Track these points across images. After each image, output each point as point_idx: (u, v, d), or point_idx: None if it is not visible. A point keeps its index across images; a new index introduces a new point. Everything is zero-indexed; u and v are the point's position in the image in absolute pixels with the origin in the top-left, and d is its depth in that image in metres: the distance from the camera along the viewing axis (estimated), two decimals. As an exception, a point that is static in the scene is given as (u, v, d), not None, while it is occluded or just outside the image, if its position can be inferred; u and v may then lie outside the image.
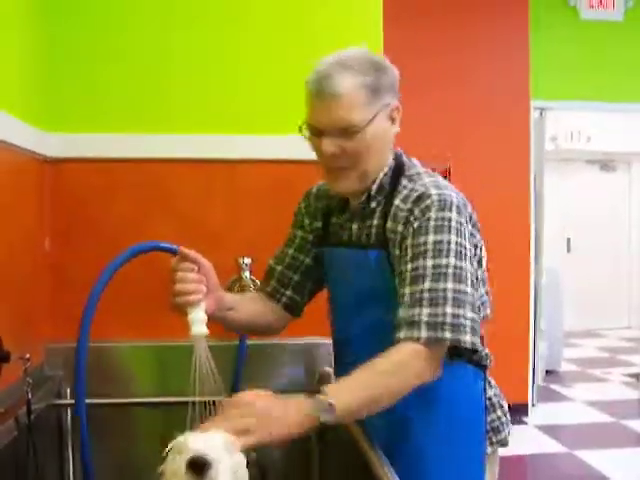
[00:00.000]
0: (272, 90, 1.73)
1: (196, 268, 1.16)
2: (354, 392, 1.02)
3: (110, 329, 1.64)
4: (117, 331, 1.67)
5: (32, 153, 1.54)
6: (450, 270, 1.10)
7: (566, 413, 4.58)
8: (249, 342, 1.66)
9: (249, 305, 1.32)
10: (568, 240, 7.84)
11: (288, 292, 1.36)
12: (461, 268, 1.11)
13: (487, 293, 1.28)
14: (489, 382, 1.29)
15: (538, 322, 4.58)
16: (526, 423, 4.30)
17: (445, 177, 4.43)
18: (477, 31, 4.30)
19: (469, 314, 1.09)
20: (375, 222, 1.22)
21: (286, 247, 1.39)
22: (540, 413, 4.47)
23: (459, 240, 1.12)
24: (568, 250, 7.84)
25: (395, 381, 1.04)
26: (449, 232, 1.12)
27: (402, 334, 1.08)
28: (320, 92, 1.15)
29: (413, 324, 1.07)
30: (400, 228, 1.16)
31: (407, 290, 1.11)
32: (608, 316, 7.82)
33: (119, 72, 1.70)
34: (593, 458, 3.62)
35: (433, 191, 1.15)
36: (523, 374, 4.38)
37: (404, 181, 1.21)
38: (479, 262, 1.23)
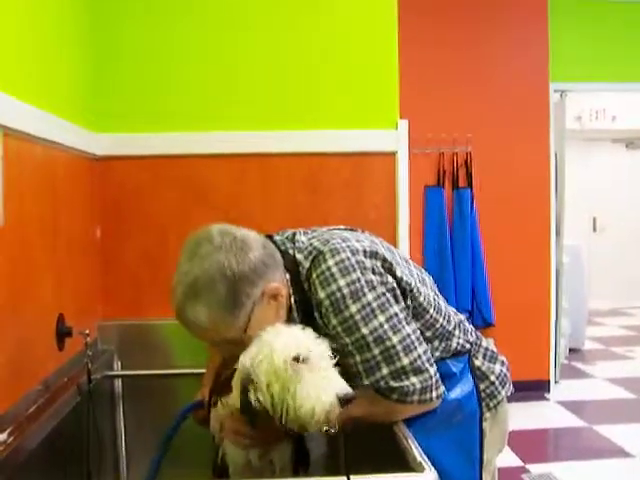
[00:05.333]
0: (300, 89, 1.85)
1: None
2: (360, 406, 1.09)
3: (155, 308, 1.80)
4: (161, 310, 1.82)
5: (83, 152, 1.67)
6: (386, 326, 1.12)
7: (587, 390, 4.59)
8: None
9: None
10: (594, 219, 7.78)
11: None
12: (392, 317, 1.13)
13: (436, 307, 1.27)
14: (474, 355, 1.33)
15: (560, 300, 4.61)
16: (548, 399, 4.35)
17: (466, 161, 4.47)
18: (496, 14, 4.29)
19: (421, 350, 1.15)
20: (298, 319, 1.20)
21: None
22: (562, 390, 4.50)
23: (367, 277, 1.13)
24: (594, 229, 7.79)
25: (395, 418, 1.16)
26: (354, 272, 1.12)
27: (395, 397, 1.14)
28: (184, 324, 1.11)
29: (404, 394, 1.14)
30: (320, 314, 1.15)
31: (358, 359, 1.13)
32: (634, 295, 7.77)
33: (160, 77, 1.84)
34: (613, 432, 3.65)
35: (322, 247, 1.15)
36: (545, 352, 4.41)
37: (300, 267, 1.18)
38: (404, 294, 1.20)
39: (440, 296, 1.32)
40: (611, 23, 4.52)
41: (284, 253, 1.20)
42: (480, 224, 4.21)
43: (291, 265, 1.18)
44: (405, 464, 1.01)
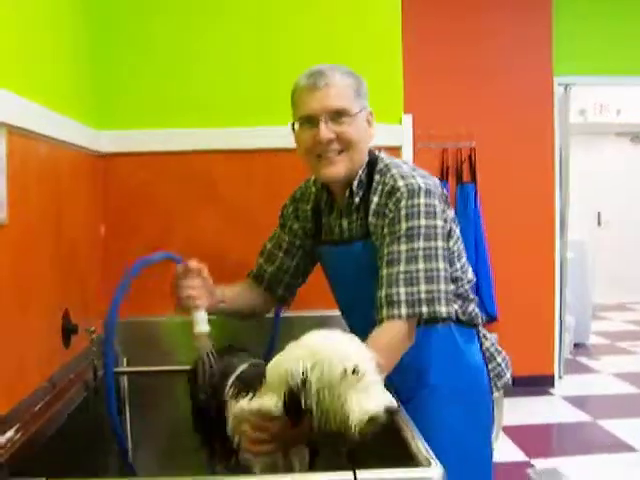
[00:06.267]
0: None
1: (199, 277, 1.31)
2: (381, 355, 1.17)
3: (160, 305, 1.80)
4: (166, 307, 1.83)
5: (86, 150, 1.68)
6: (420, 252, 1.24)
7: (592, 385, 4.60)
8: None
9: (237, 299, 1.47)
10: (598, 214, 7.78)
11: (280, 290, 1.54)
12: (430, 248, 1.25)
13: (464, 263, 1.42)
14: (484, 335, 1.44)
15: (564, 295, 4.61)
16: (552, 394, 4.36)
17: (469, 156, 4.49)
18: (500, 8, 4.29)
19: (442, 287, 1.24)
20: (360, 216, 1.36)
21: (275, 249, 1.53)
22: (567, 385, 4.51)
23: (429, 222, 1.26)
24: (599, 223, 7.78)
25: (385, 360, 1.17)
26: (419, 217, 1.26)
27: (384, 313, 1.23)
28: (314, 85, 1.30)
29: (393, 303, 1.23)
30: (380, 222, 1.30)
31: (384, 272, 1.26)
32: (639, 290, 7.77)
33: (164, 73, 1.84)
34: (618, 427, 3.66)
35: (400, 182, 1.29)
36: (550, 346, 4.43)
37: (376, 176, 1.35)
38: (449, 235, 1.36)
39: (469, 266, 1.44)
40: (615, 16, 4.51)
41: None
42: (484, 219, 4.20)
43: (372, 155, 1.38)
44: (411, 458, 1.01)
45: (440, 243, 1.26)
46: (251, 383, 1.14)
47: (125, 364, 1.81)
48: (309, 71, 1.33)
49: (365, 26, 1.87)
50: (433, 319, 1.26)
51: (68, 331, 1.44)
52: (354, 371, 1.01)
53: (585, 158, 7.19)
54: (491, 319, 4.18)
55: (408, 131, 1.88)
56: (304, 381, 1.01)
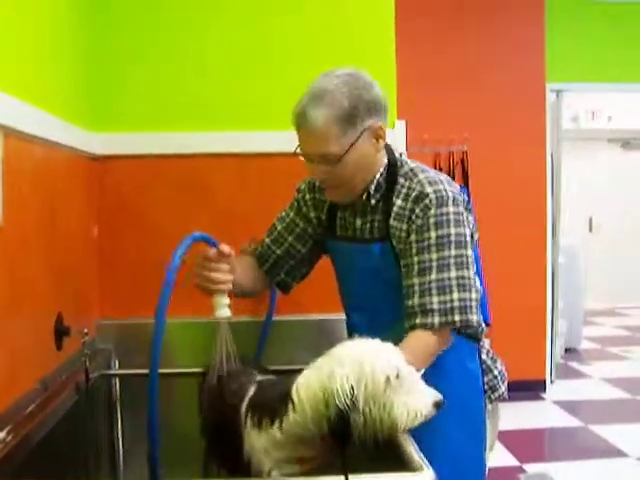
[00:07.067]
0: (299, 90, 1.85)
1: (227, 263, 1.29)
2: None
3: (153, 308, 1.80)
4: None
5: (81, 152, 1.68)
6: (452, 260, 1.24)
7: (583, 390, 4.61)
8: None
9: (241, 276, 1.41)
10: (590, 219, 7.82)
11: (282, 275, 1.51)
12: (461, 256, 1.26)
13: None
14: (482, 346, 1.44)
15: (556, 300, 4.63)
16: (544, 399, 4.37)
17: (462, 160, 4.49)
18: (493, 15, 4.32)
19: (473, 295, 1.26)
20: (377, 217, 1.35)
21: (285, 232, 1.49)
22: (558, 389, 4.53)
23: (458, 231, 1.27)
24: (590, 229, 7.83)
25: (418, 367, 1.16)
26: (449, 226, 1.26)
27: (418, 320, 1.24)
28: (299, 126, 1.26)
29: (426, 312, 1.23)
30: (404, 226, 1.29)
31: (415, 281, 1.26)
32: (630, 295, 7.80)
33: (159, 76, 1.84)
34: (609, 432, 3.67)
35: (429, 189, 1.28)
36: (541, 351, 4.44)
37: (401, 180, 1.33)
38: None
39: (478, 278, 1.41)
40: (607, 24, 4.55)
41: (388, 146, 1.36)
42: (476, 223, 4.22)
43: (392, 158, 1.35)
44: (403, 463, 1.01)
45: (469, 251, 1.28)
46: (270, 406, 1.06)
47: (117, 366, 1.81)
48: (296, 105, 1.27)
49: (358, 31, 1.88)
50: (465, 327, 1.26)
51: (60, 333, 1.44)
52: (397, 376, 1.00)
53: (577, 164, 7.24)
54: (484, 324, 4.19)
55: (401, 137, 1.89)
56: (352, 400, 0.96)
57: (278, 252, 1.49)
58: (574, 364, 5.29)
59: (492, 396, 1.44)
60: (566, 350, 5.47)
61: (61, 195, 1.52)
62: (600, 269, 7.26)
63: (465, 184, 4.24)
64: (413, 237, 1.27)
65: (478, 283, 1.40)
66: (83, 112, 1.73)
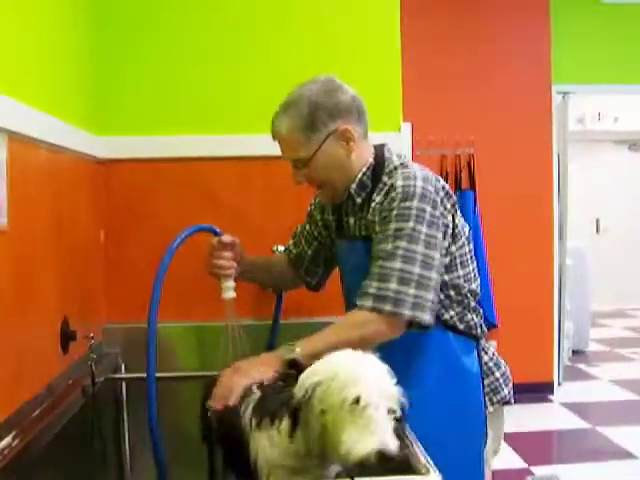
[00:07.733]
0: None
1: (230, 251, 1.47)
2: (316, 341, 1.24)
3: (159, 312, 1.80)
4: (165, 314, 1.83)
5: (86, 155, 1.68)
6: (401, 252, 1.25)
7: (591, 391, 4.60)
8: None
9: (263, 271, 1.65)
10: (597, 221, 7.80)
11: (302, 272, 1.62)
12: (413, 251, 1.26)
13: (469, 272, 1.41)
14: (484, 349, 1.43)
15: (563, 302, 4.61)
16: (552, 401, 4.36)
17: (468, 163, 4.49)
18: (498, 16, 4.32)
19: (412, 291, 1.24)
20: (364, 215, 1.38)
21: (300, 234, 1.62)
22: (566, 391, 4.51)
23: (418, 227, 1.27)
24: (597, 231, 7.80)
25: (356, 333, 1.23)
26: (409, 220, 1.27)
27: (357, 301, 1.28)
28: (272, 136, 1.39)
29: (362, 294, 1.27)
30: (377, 219, 1.33)
31: (373, 268, 1.29)
32: (638, 296, 7.76)
33: (164, 80, 1.84)
34: (617, 434, 3.66)
35: (399, 183, 1.30)
36: (549, 353, 4.43)
37: (384, 178, 1.36)
38: (453, 239, 1.36)
39: (477, 278, 1.42)
40: (613, 25, 4.53)
41: (380, 147, 1.41)
42: (483, 226, 4.21)
43: (379, 158, 1.39)
44: (410, 467, 1.01)
45: (421, 249, 1.27)
46: (274, 408, 1.05)
47: (123, 370, 1.81)
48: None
49: (364, 35, 1.87)
50: (414, 322, 1.27)
51: (67, 337, 1.44)
52: (357, 401, 0.92)
53: (583, 165, 7.22)
54: (490, 326, 4.17)
55: (407, 139, 1.89)
56: (306, 396, 0.95)
57: (295, 252, 1.62)
58: (582, 366, 5.27)
59: (494, 398, 1.43)
60: (574, 352, 5.46)
61: (67, 199, 1.53)
62: (607, 271, 7.23)
63: (472, 186, 4.23)
64: (377, 228, 1.32)
65: (475, 284, 1.40)
66: (88, 116, 1.74)
